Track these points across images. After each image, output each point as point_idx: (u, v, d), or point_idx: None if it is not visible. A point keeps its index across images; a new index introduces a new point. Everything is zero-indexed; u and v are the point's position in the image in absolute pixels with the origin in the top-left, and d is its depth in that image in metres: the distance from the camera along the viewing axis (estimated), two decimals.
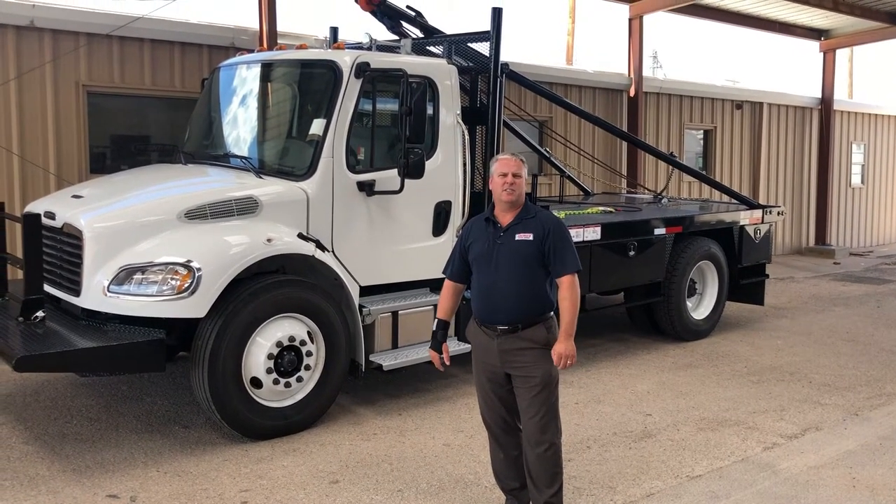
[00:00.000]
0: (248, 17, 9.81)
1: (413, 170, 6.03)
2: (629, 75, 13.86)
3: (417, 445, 5.71)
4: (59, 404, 6.34)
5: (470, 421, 6.11)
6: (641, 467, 5.41)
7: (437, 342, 4.49)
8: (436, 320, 4.52)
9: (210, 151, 6.89)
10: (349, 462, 5.38)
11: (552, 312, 4.31)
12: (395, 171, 6.12)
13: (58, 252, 5.74)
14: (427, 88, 6.38)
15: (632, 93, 13.82)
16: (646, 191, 11.98)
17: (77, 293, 5.50)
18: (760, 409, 6.69)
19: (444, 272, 4.53)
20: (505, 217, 4.28)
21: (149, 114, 9.27)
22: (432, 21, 8.25)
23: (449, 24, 8.19)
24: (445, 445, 5.69)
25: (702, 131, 15.61)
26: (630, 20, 13.88)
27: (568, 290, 4.18)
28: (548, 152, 10.57)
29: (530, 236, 4.18)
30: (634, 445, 5.80)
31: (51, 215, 5.81)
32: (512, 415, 4.38)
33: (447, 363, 4.51)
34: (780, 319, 10.34)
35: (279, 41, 8.94)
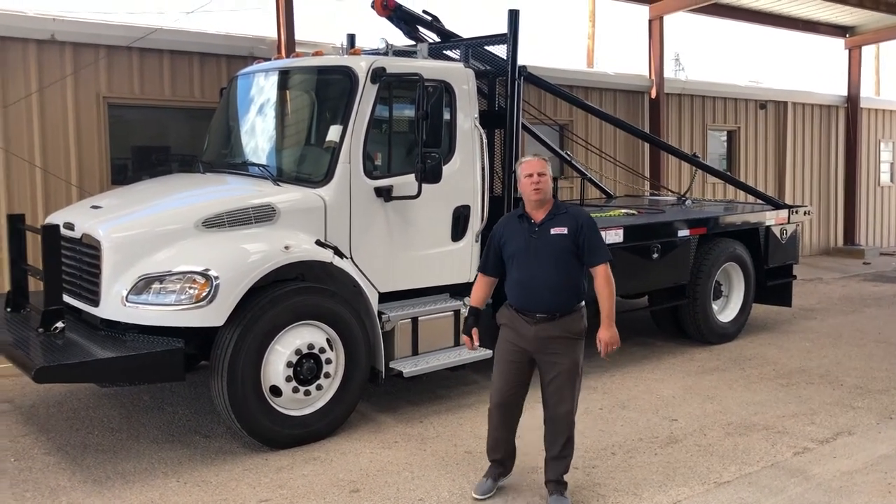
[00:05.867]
0: (266, 27, 9.84)
1: (430, 174, 5.98)
2: (650, 77, 13.72)
3: (439, 453, 5.64)
4: (81, 415, 6.36)
5: None
6: (668, 474, 5.29)
7: (468, 326, 4.83)
8: (468, 307, 4.89)
9: (228, 160, 6.89)
10: (370, 470, 5.32)
11: (584, 302, 4.66)
12: (412, 176, 6.07)
13: (77, 262, 5.75)
14: (443, 92, 6.32)
15: (653, 94, 13.68)
16: (669, 192, 11.84)
17: (96, 303, 5.50)
18: (790, 412, 6.54)
19: (479, 269, 4.92)
20: (537, 214, 4.63)
21: (169, 124, 9.32)
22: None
23: (459, 30, 8.11)
24: (467, 453, 5.61)
25: (725, 132, 15.42)
26: (650, 21, 13.76)
27: (604, 279, 4.53)
28: (568, 155, 10.48)
29: (565, 230, 4.53)
30: (660, 451, 5.69)
31: (70, 226, 5.82)
32: (520, 393, 4.77)
33: (476, 345, 4.81)
34: (808, 321, 10.14)
35: (297, 49, 8.94)
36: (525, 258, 4.57)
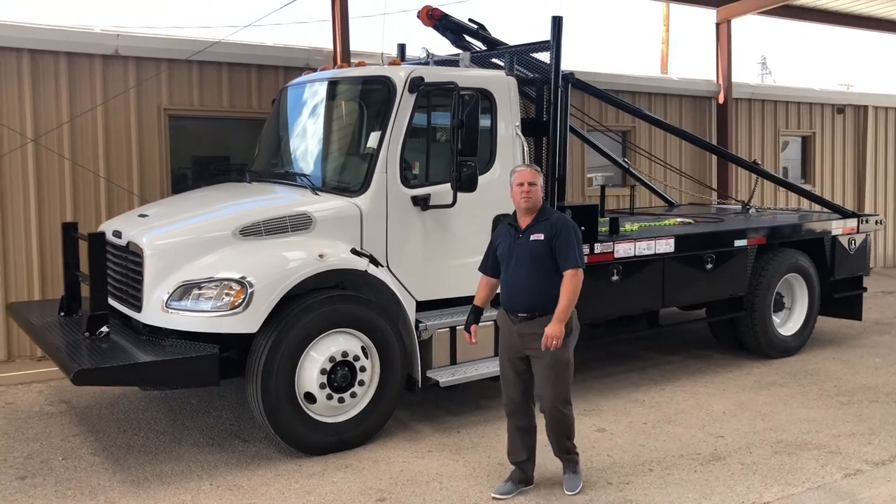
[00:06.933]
0: (323, 39, 9.98)
1: (465, 183, 5.94)
2: (718, 81, 13.35)
3: (471, 464, 5.59)
4: (130, 417, 6.56)
5: None
6: (704, 492, 5.10)
7: (468, 324, 5.21)
8: (472, 305, 5.23)
9: (274, 169, 7.02)
10: (399, 479, 5.31)
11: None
12: (450, 185, 6.04)
13: (124, 269, 5.93)
14: (481, 100, 6.26)
15: (721, 99, 13.30)
16: (734, 201, 11.48)
17: (140, 309, 5.66)
18: (846, 432, 6.22)
19: (479, 269, 5.27)
20: (524, 220, 4.97)
21: (228, 135, 9.54)
22: (504, 34, 8.15)
23: (527, 34, 8.01)
24: (500, 465, 5.53)
25: (799, 138, 14.84)
26: (717, 24, 13.39)
27: (567, 281, 4.81)
28: (626, 163, 10.28)
29: (542, 236, 4.86)
30: (700, 468, 5.49)
31: (118, 234, 6.03)
32: (525, 395, 5.03)
33: (473, 341, 5.18)
34: (881, 336, 9.63)
35: (352, 60, 9.04)
36: (509, 262, 4.95)
